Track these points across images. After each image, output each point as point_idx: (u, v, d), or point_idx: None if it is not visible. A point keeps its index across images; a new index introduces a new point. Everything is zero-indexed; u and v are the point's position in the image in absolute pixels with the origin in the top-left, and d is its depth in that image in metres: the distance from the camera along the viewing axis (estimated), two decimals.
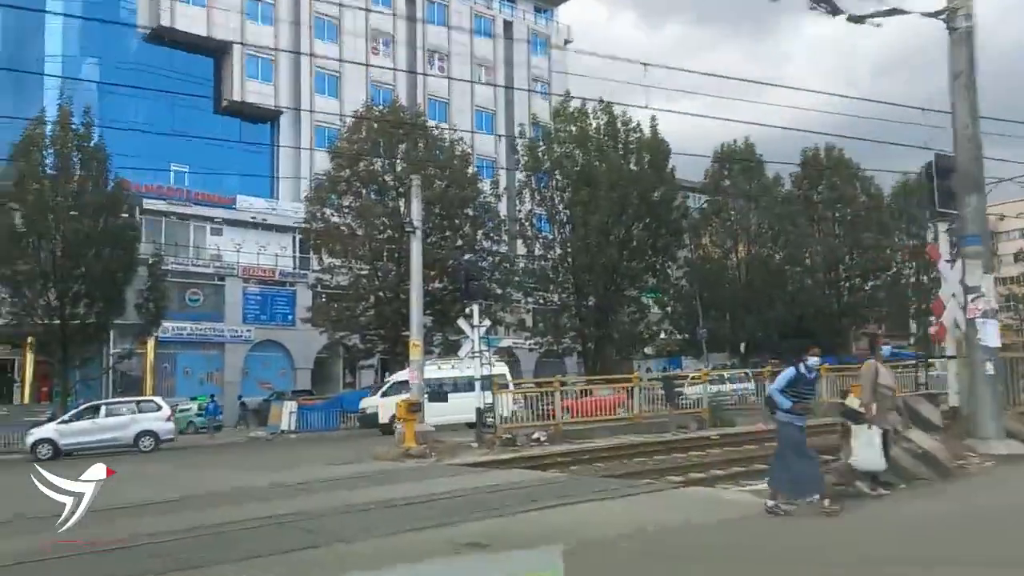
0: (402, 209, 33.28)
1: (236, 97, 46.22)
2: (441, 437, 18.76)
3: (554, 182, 36.91)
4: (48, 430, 24.00)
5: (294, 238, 44.38)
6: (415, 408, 17.42)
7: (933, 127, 14.88)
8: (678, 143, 37.66)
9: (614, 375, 30.66)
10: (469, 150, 37.06)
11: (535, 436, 18.55)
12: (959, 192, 12.34)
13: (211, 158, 43.57)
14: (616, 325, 37.52)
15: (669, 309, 42.27)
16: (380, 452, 17.18)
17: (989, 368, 11.62)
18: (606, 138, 36.52)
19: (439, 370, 28.28)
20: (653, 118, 36.43)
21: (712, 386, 22.04)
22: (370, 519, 9.61)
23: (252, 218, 44.69)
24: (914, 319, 48.84)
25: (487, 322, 19.97)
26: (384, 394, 28.34)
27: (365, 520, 9.53)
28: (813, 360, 8.77)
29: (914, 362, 29.07)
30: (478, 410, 18.84)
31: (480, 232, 35.45)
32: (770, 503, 8.49)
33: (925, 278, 50.35)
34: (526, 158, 37.43)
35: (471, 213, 34.65)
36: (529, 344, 39.09)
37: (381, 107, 36.59)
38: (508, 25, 56.74)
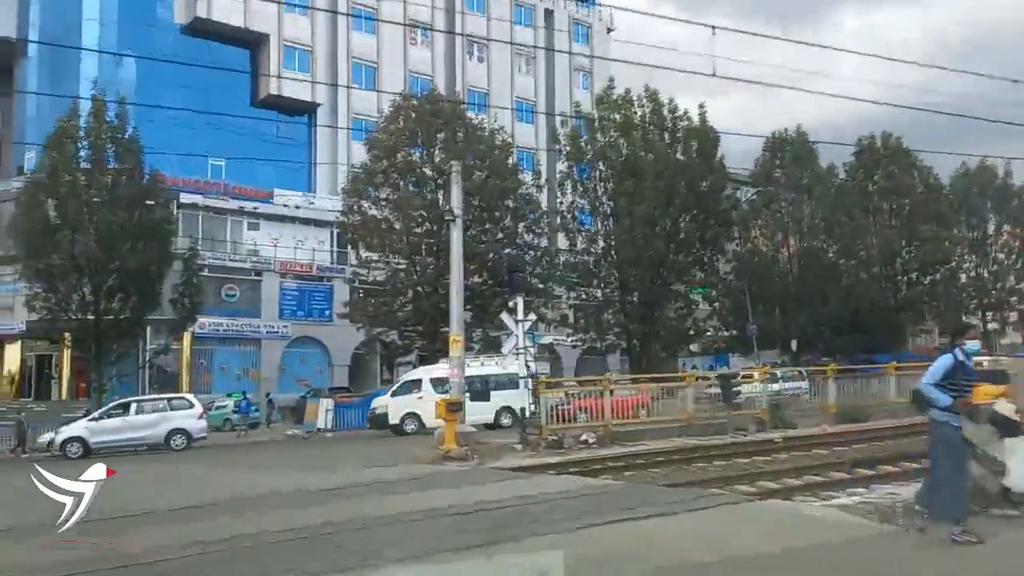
0: (441, 200, 32.31)
1: (273, 89, 45.59)
2: (483, 438, 17.63)
3: (597, 172, 35.66)
4: (78, 428, 23.31)
5: (331, 232, 43.61)
6: (455, 407, 16.29)
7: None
8: (724, 136, 35.93)
9: (660, 373, 29.44)
10: (510, 139, 35.79)
11: (583, 438, 17.34)
12: None
13: (248, 151, 43.06)
14: (662, 321, 36.15)
15: (717, 305, 40.70)
16: (418, 454, 16.08)
17: None
18: (652, 126, 35.15)
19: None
20: (702, 105, 35.22)
21: (772, 385, 20.60)
22: (407, 532, 8.51)
23: (294, 206, 43.91)
24: (971, 314, 46.61)
25: (532, 316, 18.81)
26: (394, 393, 27.27)
27: (401, 533, 8.43)
28: (972, 345, 7.27)
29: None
30: (521, 410, 17.64)
31: (521, 225, 34.25)
32: (955, 531, 6.73)
33: (985, 271, 48.33)
34: (568, 148, 36.18)
35: (512, 205, 33.45)
36: (572, 340, 37.84)
37: (419, 97, 35.53)
38: (549, 13, 55.36)
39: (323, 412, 31.27)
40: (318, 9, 46.07)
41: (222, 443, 26.95)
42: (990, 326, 50.37)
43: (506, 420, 25.23)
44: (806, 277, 40.26)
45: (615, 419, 18.34)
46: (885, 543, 7.03)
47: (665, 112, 35.21)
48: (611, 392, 18.87)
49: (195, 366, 41.12)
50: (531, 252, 34.45)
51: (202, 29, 44.68)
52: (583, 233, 36.21)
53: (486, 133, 33.65)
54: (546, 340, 36.72)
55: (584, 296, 37.06)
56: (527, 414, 17.98)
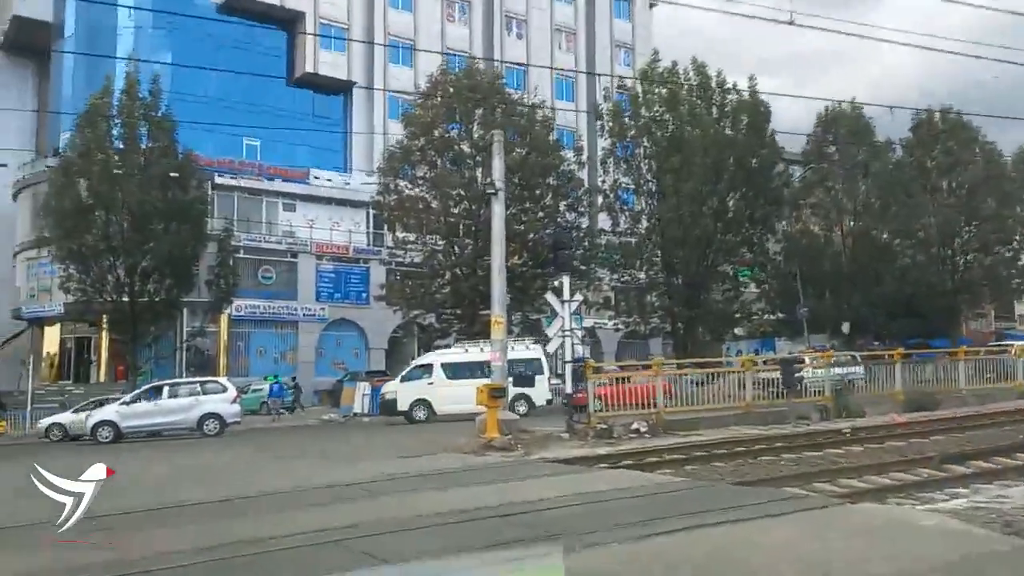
0: (479, 178, 31.23)
1: (309, 68, 44.74)
2: (527, 426, 16.58)
3: (642, 149, 34.23)
4: (109, 412, 22.70)
5: (368, 213, 42.75)
6: (498, 393, 15.25)
7: None
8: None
9: (704, 357, 28.13)
10: (551, 114, 34.45)
11: (634, 426, 16.19)
12: None
13: (284, 132, 42.31)
14: (708, 303, 34.73)
15: (766, 286, 39.14)
16: (458, 443, 15.07)
17: None
18: (699, 100, 33.61)
19: (466, 353, 26.13)
20: (752, 77, 33.47)
21: (835, 369, 19.21)
22: (449, 536, 7.46)
23: (330, 187, 43.09)
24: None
25: (578, 297, 17.67)
26: (403, 379, 26.24)
27: (442, 538, 7.38)
28: None
29: None
30: (567, 395, 16.54)
31: (563, 203, 33.01)
32: None
33: None
34: (611, 124, 34.76)
35: (553, 182, 32.21)
36: (614, 324, 36.61)
37: (457, 71, 34.36)
38: None
39: (360, 396, 30.48)
40: None
41: (256, 427, 26.28)
42: None
43: (521, 408, 24.24)
44: (859, 258, 38.54)
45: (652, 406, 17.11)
46: None
47: (713, 85, 33.63)
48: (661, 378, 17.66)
49: (232, 349, 40.63)
50: (573, 232, 33.25)
51: (238, 7, 43.92)
52: (626, 212, 34.85)
53: (526, 108, 32.39)
54: (587, 324, 35.52)
55: (628, 277, 35.67)
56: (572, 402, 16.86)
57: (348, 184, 43.70)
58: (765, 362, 20.44)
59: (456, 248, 32.02)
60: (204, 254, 31.93)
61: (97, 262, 28.98)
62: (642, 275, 35.29)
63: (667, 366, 18.50)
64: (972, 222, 41.37)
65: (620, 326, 36.56)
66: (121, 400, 23.45)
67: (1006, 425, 16.13)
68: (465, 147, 31.41)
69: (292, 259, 41.81)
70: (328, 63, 45.37)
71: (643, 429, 16.13)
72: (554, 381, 31.72)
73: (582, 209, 34.11)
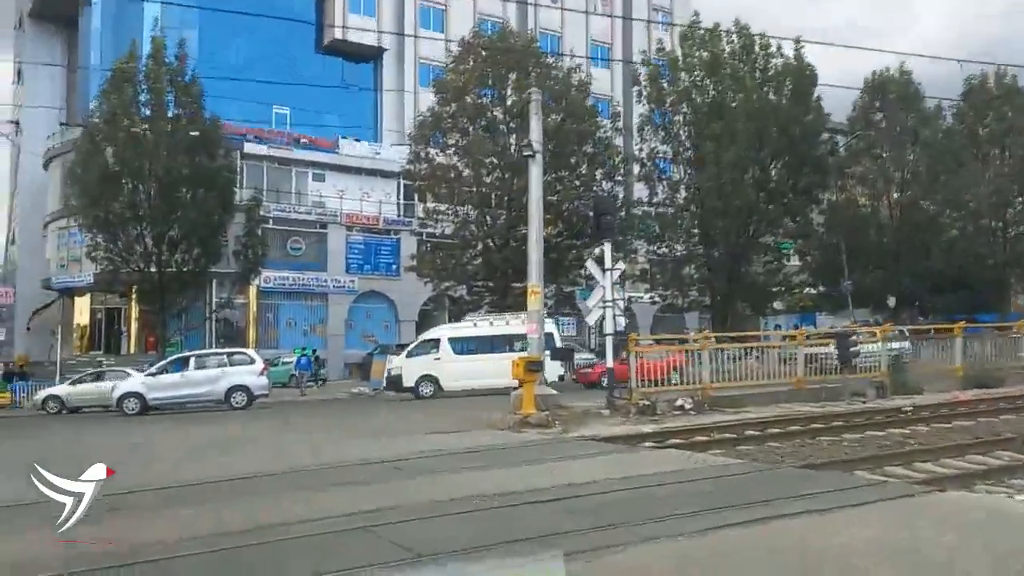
0: (512, 146, 30.27)
1: (338, 33, 43.80)
2: (565, 402, 15.74)
3: (680, 116, 32.98)
4: (135, 383, 22.22)
5: (398, 184, 41.97)
6: (535, 367, 14.40)
7: None
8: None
9: (743, 332, 27.10)
10: (587, 78, 33.22)
11: (678, 403, 15.30)
12: None
13: (313, 100, 41.56)
14: (748, 276, 33.58)
15: (809, 258, 37.81)
16: (493, 419, 14.28)
17: None
18: (741, 64, 32.24)
19: (475, 328, 25.69)
20: (798, 40, 31.95)
21: (894, 344, 18.13)
22: (490, 524, 6.66)
23: (360, 157, 42.30)
24: None
25: (621, 265, 16.73)
26: (410, 354, 25.43)
27: (482, 526, 6.58)
28: None
29: None
30: (609, 370, 15.65)
31: (599, 172, 31.89)
32: None
33: None
34: (648, 89, 33.49)
35: (589, 150, 31.10)
36: (650, 297, 35.57)
37: (490, 35, 33.24)
38: None
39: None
40: None
41: (284, 401, 25.74)
42: None
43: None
44: (906, 229, 37.07)
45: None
46: None
47: (756, 48, 32.22)
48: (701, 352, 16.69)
49: (261, 321, 40.24)
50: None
51: None
52: (664, 182, 33.68)
53: (562, 72, 31.25)
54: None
55: (666, 249, 34.55)
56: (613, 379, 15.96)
57: (379, 154, 42.89)
58: (817, 336, 19.35)
59: (488, 218, 31.16)
60: (232, 224, 31.30)
61: (124, 230, 28.52)
62: (679, 247, 34.21)
63: (712, 340, 17.48)
64: None
65: (656, 299, 35.46)
66: (147, 371, 22.94)
67: None
68: (498, 113, 30.41)
69: (322, 230, 41.20)
70: (358, 27, 44.32)
71: (688, 406, 15.24)
72: (586, 356, 30.92)
73: (619, 178, 32.93)
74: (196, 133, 28.70)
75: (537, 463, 9.84)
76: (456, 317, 41.64)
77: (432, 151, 31.84)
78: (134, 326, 39.26)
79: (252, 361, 23.19)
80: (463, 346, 25.11)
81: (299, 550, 5.99)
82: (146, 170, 28.06)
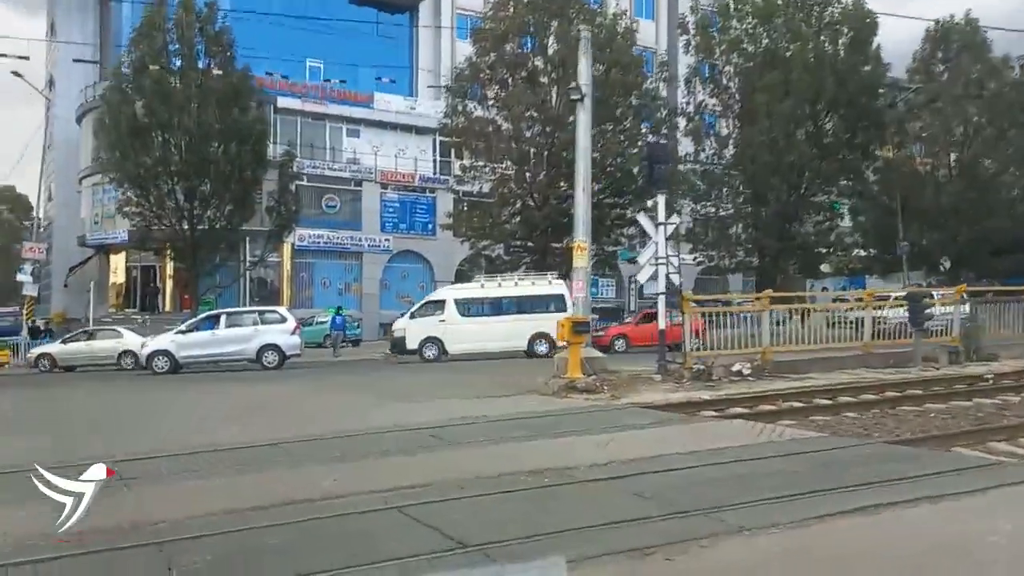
0: (554, 99, 28.97)
1: None
2: (613, 365, 14.71)
3: (731, 67, 31.34)
4: (164, 341, 21.58)
5: (435, 140, 40.83)
6: (582, 328, 13.35)
7: None
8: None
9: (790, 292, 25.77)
10: (633, 27, 31.59)
11: (735, 368, 14.17)
12: None
13: (347, 52, 40.38)
14: (800, 236, 32.09)
15: (862, 219, 36.12)
16: (536, 383, 13.30)
17: None
18: (796, 11, 30.45)
19: (482, 288, 24.67)
20: None
21: (964, 307, 16.81)
22: (544, 507, 5.70)
23: (395, 112, 41.13)
24: None
25: (676, 218, 15.54)
26: (413, 315, 24.41)
27: (535, 509, 5.62)
28: None
29: None
30: (661, 332, 14.55)
31: (644, 126, 30.45)
32: None
33: None
34: (697, 39, 31.83)
35: (635, 102, 29.66)
36: (694, 258, 34.21)
37: None
38: None
39: None
40: None
41: (318, 361, 25.01)
42: None
43: (542, 347, 22.53)
44: (967, 189, 35.14)
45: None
46: None
47: None
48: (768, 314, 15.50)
49: (296, 279, 39.63)
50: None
51: None
52: (712, 137, 32.14)
53: (607, 19, 29.72)
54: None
55: (713, 208, 33.10)
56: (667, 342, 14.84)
57: (414, 108, 41.71)
58: (892, 297, 18.02)
59: (528, 175, 29.95)
60: (264, 179, 30.46)
61: (155, 185, 27.82)
62: (728, 205, 32.75)
63: (774, 300, 16.28)
64: None
65: (703, 260, 34.12)
66: (177, 329, 22.31)
67: None
68: (539, 63, 29.04)
69: (356, 187, 40.29)
70: None
71: (746, 371, 14.11)
72: (628, 320, 29.74)
73: (665, 131, 31.45)
74: (247, 110, 27.70)
75: (588, 434, 8.86)
76: None
77: (470, 104, 30.60)
78: (169, 284, 38.88)
79: (284, 320, 22.45)
80: (470, 308, 24.21)
81: (320, 535, 5.07)
82: (176, 123, 27.24)
